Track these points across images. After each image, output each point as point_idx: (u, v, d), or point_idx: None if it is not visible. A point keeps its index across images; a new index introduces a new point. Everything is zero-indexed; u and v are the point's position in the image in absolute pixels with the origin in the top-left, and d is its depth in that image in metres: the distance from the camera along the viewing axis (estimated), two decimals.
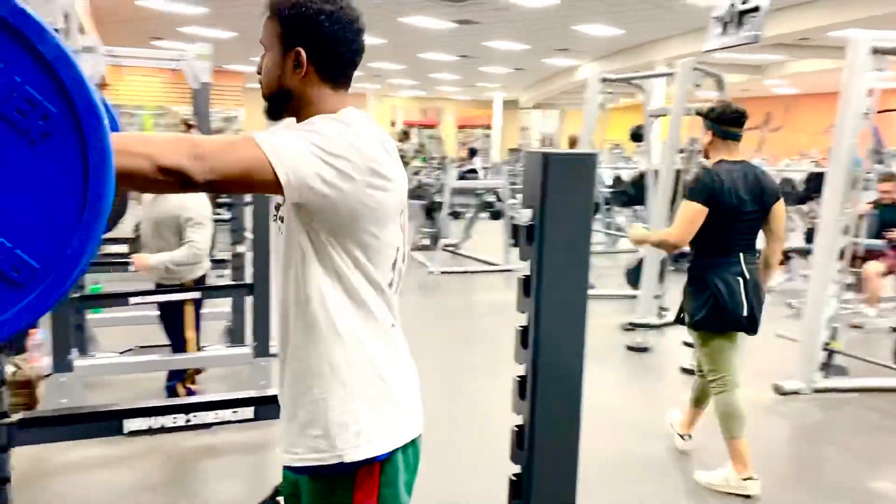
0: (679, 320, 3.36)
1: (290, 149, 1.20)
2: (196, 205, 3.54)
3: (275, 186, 1.19)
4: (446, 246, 8.35)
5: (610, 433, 3.79)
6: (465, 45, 14.66)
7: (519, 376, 1.21)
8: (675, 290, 5.09)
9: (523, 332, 1.18)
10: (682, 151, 6.12)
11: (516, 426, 1.22)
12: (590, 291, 1.15)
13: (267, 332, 3.91)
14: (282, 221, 1.35)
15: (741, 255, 3.09)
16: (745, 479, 3.08)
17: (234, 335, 4.34)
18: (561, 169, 1.11)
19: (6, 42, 0.74)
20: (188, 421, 1.93)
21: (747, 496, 3.07)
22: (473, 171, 9.62)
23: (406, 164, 11.62)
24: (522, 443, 1.17)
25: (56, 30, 3.40)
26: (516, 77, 20.31)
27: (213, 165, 1.14)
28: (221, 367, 4.31)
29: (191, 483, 3.19)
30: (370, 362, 1.34)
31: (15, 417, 1.79)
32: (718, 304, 3.05)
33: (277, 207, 1.39)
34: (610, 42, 13.83)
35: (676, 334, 5.39)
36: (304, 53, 1.31)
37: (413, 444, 1.41)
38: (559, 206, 1.13)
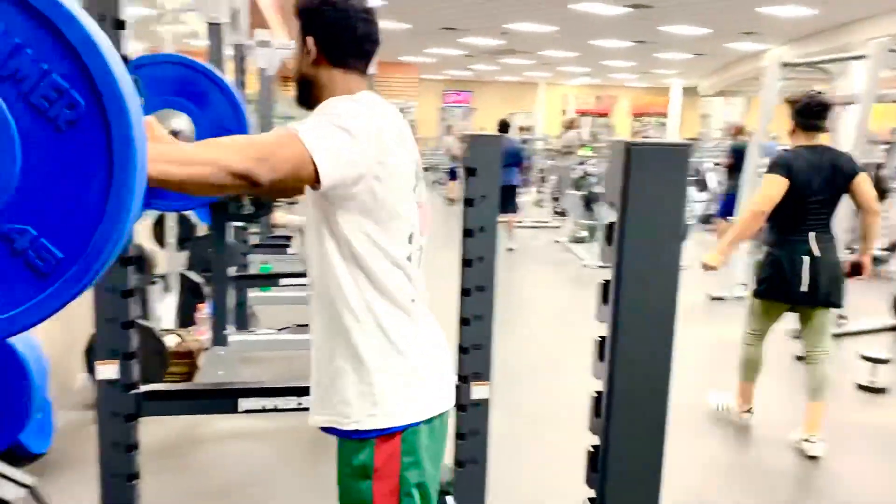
0: None
1: (323, 137, 1.28)
2: None
3: (315, 178, 1.27)
4: None
5: (765, 449, 3.48)
6: (639, 30, 14.08)
7: (595, 392, 1.10)
8: (856, 298, 4.62)
9: (600, 344, 1.07)
10: (880, 143, 5.49)
11: (592, 447, 1.11)
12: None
13: None
14: None
15: (811, 234, 3.31)
16: (743, 412, 3.71)
17: None
18: (647, 161, 0.98)
19: (34, 28, 0.74)
20: (299, 404, 1.98)
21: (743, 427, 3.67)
22: None
23: (570, 153, 11.39)
24: (597, 465, 1.06)
25: (218, 24, 3.61)
26: (696, 63, 19.25)
27: (274, 165, 1.22)
28: None
29: (327, 462, 3.29)
30: (387, 337, 1.40)
31: (142, 389, 1.90)
32: (779, 278, 3.36)
33: None
34: (802, 23, 12.73)
35: (854, 345, 4.86)
36: (312, 41, 1.44)
37: (440, 417, 1.48)
38: (644, 204, 1.00)
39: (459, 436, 2.05)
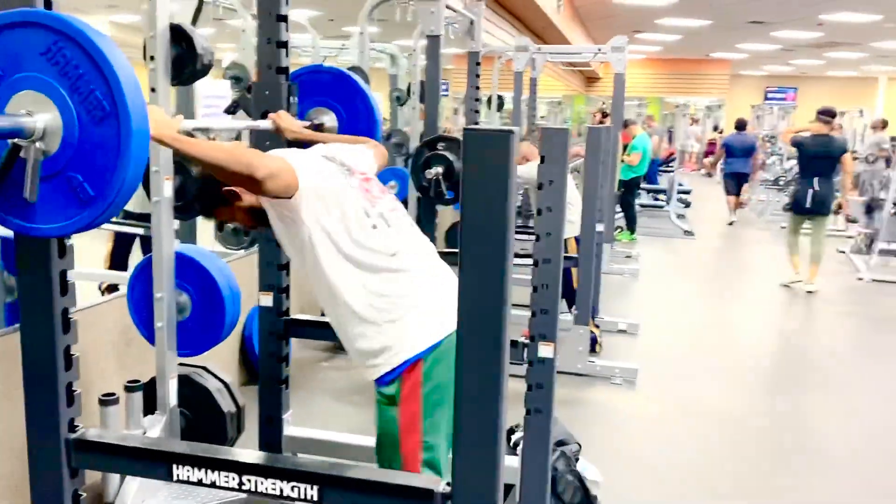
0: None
1: (299, 161, 1.82)
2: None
3: (295, 186, 1.77)
4: (883, 250, 7.27)
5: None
6: None
7: None
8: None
9: None
10: None
11: None
12: None
13: (588, 301, 4.23)
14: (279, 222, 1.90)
15: (815, 178, 6.53)
16: (795, 274, 6.97)
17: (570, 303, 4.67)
18: (475, 146, 1.23)
19: (89, 64, 1.33)
20: None
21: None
22: None
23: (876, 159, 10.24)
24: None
25: (436, 36, 4.21)
26: None
27: (278, 182, 1.75)
28: None
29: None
30: (380, 297, 1.80)
31: (289, 317, 2.55)
32: (798, 200, 6.70)
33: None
34: None
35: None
36: None
37: (447, 338, 1.80)
38: (475, 187, 1.29)
39: (528, 388, 2.39)
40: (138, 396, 2.62)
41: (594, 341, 4.49)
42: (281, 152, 1.88)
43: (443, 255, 4.47)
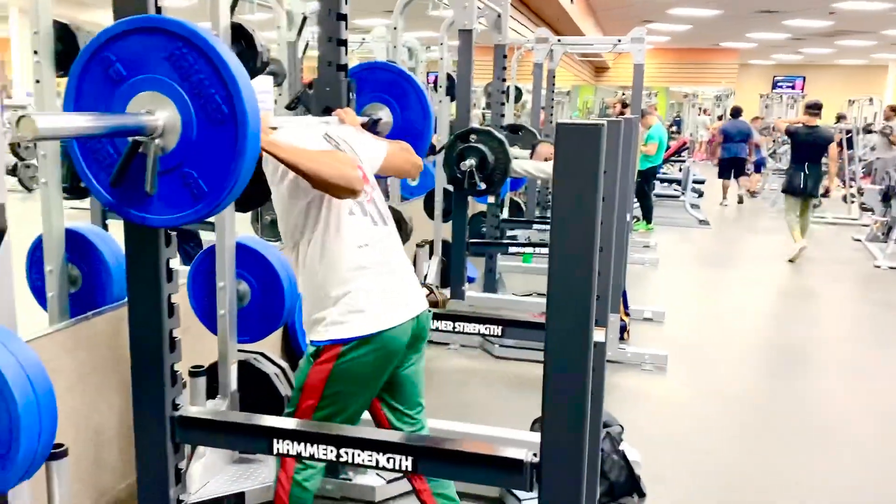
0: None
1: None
2: None
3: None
4: None
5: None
6: None
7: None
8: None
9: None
10: None
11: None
12: None
13: (619, 290, 4.34)
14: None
15: (806, 163, 7.43)
16: (799, 247, 7.55)
17: None
18: (567, 137, 1.36)
19: (210, 69, 1.44)
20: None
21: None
22: None
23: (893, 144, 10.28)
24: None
25: (469, 30, 4.30)
26: None
27: (359, 180, 1.93)
28: None
29: (522, 392, 3.86)
30: (340, 284, 1.96)
31: None
32: (792, 183, 7.56)
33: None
34: None
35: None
36: None
37: (379, 334, 1.96)
38: (567, 175, 1.40)
39: None
40: (202, 381, 2.73)
41: (623, 329, 4.60)
42: (287, 133, 1.98)
43: (470, 244, 4.67)
